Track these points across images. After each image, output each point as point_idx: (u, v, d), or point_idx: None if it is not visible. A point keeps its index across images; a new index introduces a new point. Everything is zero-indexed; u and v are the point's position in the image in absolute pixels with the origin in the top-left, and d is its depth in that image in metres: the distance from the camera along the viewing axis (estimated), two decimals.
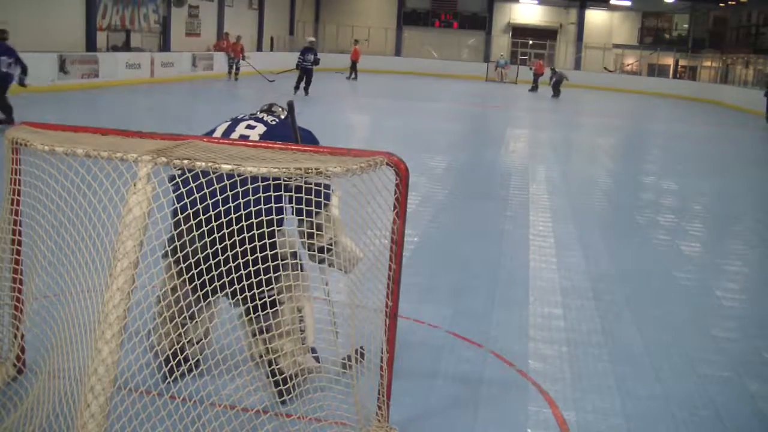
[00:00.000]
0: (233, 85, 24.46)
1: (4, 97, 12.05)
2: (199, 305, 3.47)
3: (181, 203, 3.20)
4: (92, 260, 2.95)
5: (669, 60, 38.45)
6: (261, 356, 3.49)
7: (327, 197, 3.39)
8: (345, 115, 18.56)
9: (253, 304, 3.37)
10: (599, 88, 34.53)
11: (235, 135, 3.64)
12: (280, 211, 3.40)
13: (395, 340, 3.23)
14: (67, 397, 3.00)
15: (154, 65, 23.32)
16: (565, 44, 39.89)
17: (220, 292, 3.30)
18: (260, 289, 3.22)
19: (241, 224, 3.14)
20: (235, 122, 3.73)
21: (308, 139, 3.72)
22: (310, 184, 3.29)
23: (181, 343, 3.49)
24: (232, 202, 3.09)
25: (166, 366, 3.49)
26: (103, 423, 2.74)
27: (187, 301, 3.31)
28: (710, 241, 7.98)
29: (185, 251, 3.14)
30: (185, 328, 3.46)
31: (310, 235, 3.48)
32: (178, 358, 3.45)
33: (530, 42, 40.00)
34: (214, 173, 2.88)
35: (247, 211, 3.13)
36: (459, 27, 40.23)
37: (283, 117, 3.91)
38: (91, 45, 21.33)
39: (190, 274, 3.21)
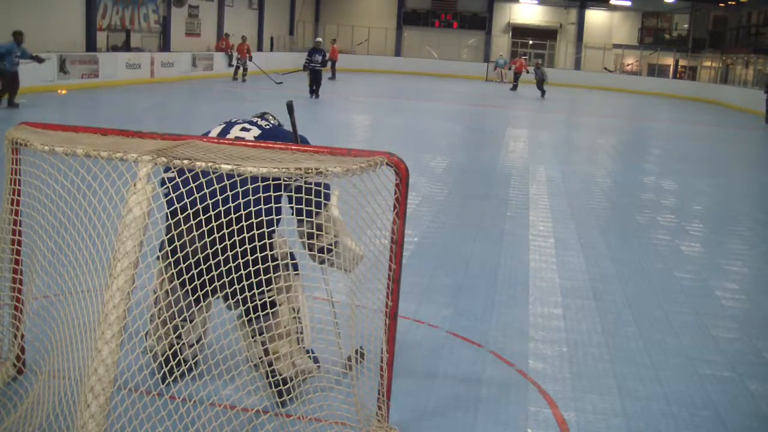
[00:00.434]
0: (239, 86, 24.39)
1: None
2: (197, 307, 3.46)
3: (176, 205, 3.18)
4: (92, 260, 2.95)
5: (669, 60, 38.45)
6: (260, 358, 3.49)
7: (327, 197, 3.39)
8: (345, 115, 18.57)
9: (253, 304, 3.36)
10: (599, 88, 34.53)
11: (230, 137, 3.63)
12: (278, 211, 3.40)
13: (395, 340, 3.23)
14: (67, 397, 3.00)
15: (154, 65, 23.33)
16: (565, 44, 39.89)
17: (220, 293, 3.30)
18: (259, 290, 3.22)
19: (240, 224, 3.13)
20: (230, 125, 3.72)
21: (303, 142, 3.72)
22: (310, 184, 3.29)
23: (178, 345, 3.49)
24: (232, 202, 3.09)
25: (164, 368, 3.47)
26: (103, 423, 2.74)
27: (183, 303, 3.30)
28: (710, 241, 7.98)
29: (184, 252, 3.13)
30: (182, 331, 3.46)
31: (311, 236, 3.48)
32: (175, 361, 3.45)
33: (530, 42, 40.00)
34: (213, 173, 2.88)
35: (246, 211, 3.13)
36: (459, 27, 40.24)
37: (275, 124, 3.91)
38: (91, 45, 21.33)
39: (189, 274, 3.19)
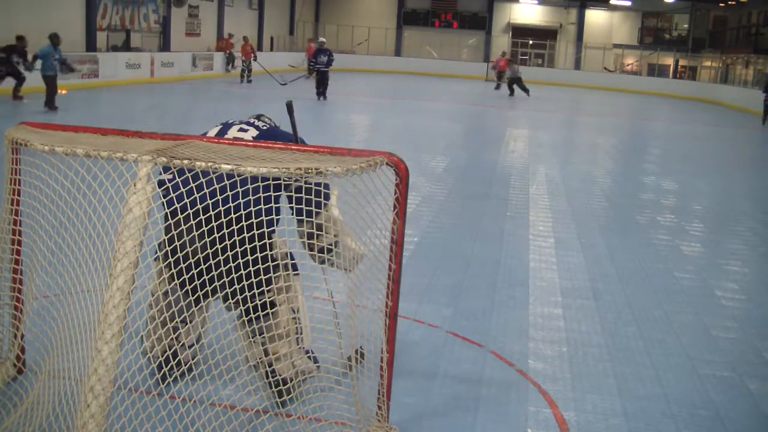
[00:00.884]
0: (244, 87, 24.35)
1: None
2: (196, 307, 3.46)
3: (176, 205, 3.18)
4: (92, 260, 2.95)
5: (669, 60, 38.44)
6: (260, 358, 3.49)
7: (327, 197, 3.39)
8: (345, 115, 18.56)
9: (253, 304, 3.36)
10: (599, 88, 34.52)
11: (227, 138, 3.63)
12: (278, 211, 3.40)
13: (395, 340, 3.23)
14: (67, 397, 3.00)
15: (154, 65, 23.33)
16: (565, 44, 39.89)
17: (219, 293, 3.29)
18: (259, 290, 3.22)
19: (240, 224, 3.13)
20: (227, 126, 3.72)
21: (301, 143, 3.72)
22: (310, 184, 3.29)
23: (175, 347, 3.49)
24: (232, 203, 3.09)
25: (164, 368, 3.47)
26: (103, 423, 2.74)
27: (182, 304, 3.30)
28: (710, 241, 7.98)
29: (183, 252, 3.12)
30: (178, 333, 3.46)
31: (311, 236, 3.48)
32: (175, 361, 3.45)
33: (530, 42, 40.00)
34: (213, 173, 2.87)
35: (246, 211, 3.12)
36: (459, 27, 40.23)
37: (272, 125, 3.91)
38: (91, 45, 21.33)
39: (189, 274, 3.19)
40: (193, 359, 3.60)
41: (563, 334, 4.78)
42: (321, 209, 3.39)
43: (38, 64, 14.32)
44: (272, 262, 3.31)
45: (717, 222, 8.90)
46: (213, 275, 3.13)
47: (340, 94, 21.29)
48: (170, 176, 3.09)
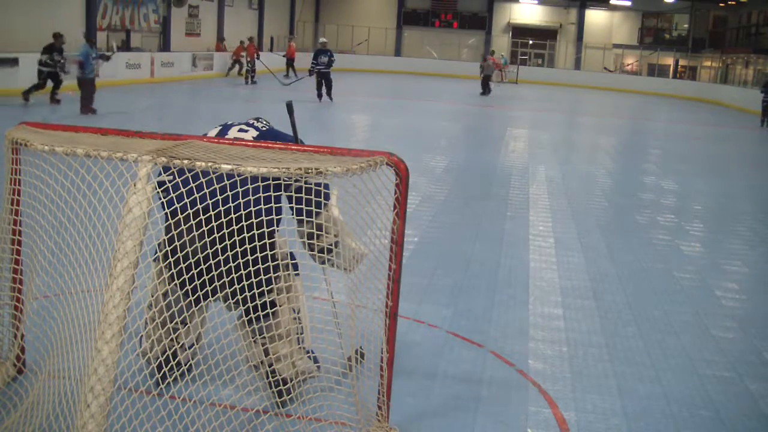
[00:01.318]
0: (249, 86, 24.32)
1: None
2: (195, 308, 3.46)
3: (176, 205, 3.18)
4: (92, 260, 2.95)
5: (669, 60, 38.44)
6: (260, 359, 3.48)
7: (327, 197, 3.39)
8: (345, 115, 18.56)
9: (253, 305, 3.36)
10: (599, 88, 34.52)
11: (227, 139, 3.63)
12: (278, 211, 3.40)
13: (395, 340, 3.23)
14: (67, 397, 3.00)
15: (154, 65, 23.33)
16: (565, 44, 39.89)
17: (220, 293, 3.29)
18: (259, 291, 3.21)
19: (240, 225, 3.13)
20: (226, 127, 3.72)
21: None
22: (310, 184, 3.29)
23: (174, 348, 3.48)
24: (232, 203, 3.09)
25: (164, 368, 3.47)
26: (103, 423, 2.74)
27: (181, 304, 3.30)
28: (710, 241, 7.98)
29: (183, 252, 3.12)
30: (178, 333, 3.45)
31: (312, 236, 3.48)
32: (171, 363, 3.45)
33: (530, 42, 40.00)
34: (214, 173, 2.87)
35: (246, 211, 3.12)
36: (459, 27, 40.23)
37: (270, 127, 3.92)
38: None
39: (189, 275, 3.18)
40: (192, 360, 3.60)
41: (563, 334, 4.78)
42: (321, 209, 3.39)
43: (75, 67, 14.23)
44: (273, 262, 3.31)
45: (717, 222, 8.90)
46: (213, 276, 3.13)
47: (340, 94, 21.28)
48: (170, 176, 3.08)
